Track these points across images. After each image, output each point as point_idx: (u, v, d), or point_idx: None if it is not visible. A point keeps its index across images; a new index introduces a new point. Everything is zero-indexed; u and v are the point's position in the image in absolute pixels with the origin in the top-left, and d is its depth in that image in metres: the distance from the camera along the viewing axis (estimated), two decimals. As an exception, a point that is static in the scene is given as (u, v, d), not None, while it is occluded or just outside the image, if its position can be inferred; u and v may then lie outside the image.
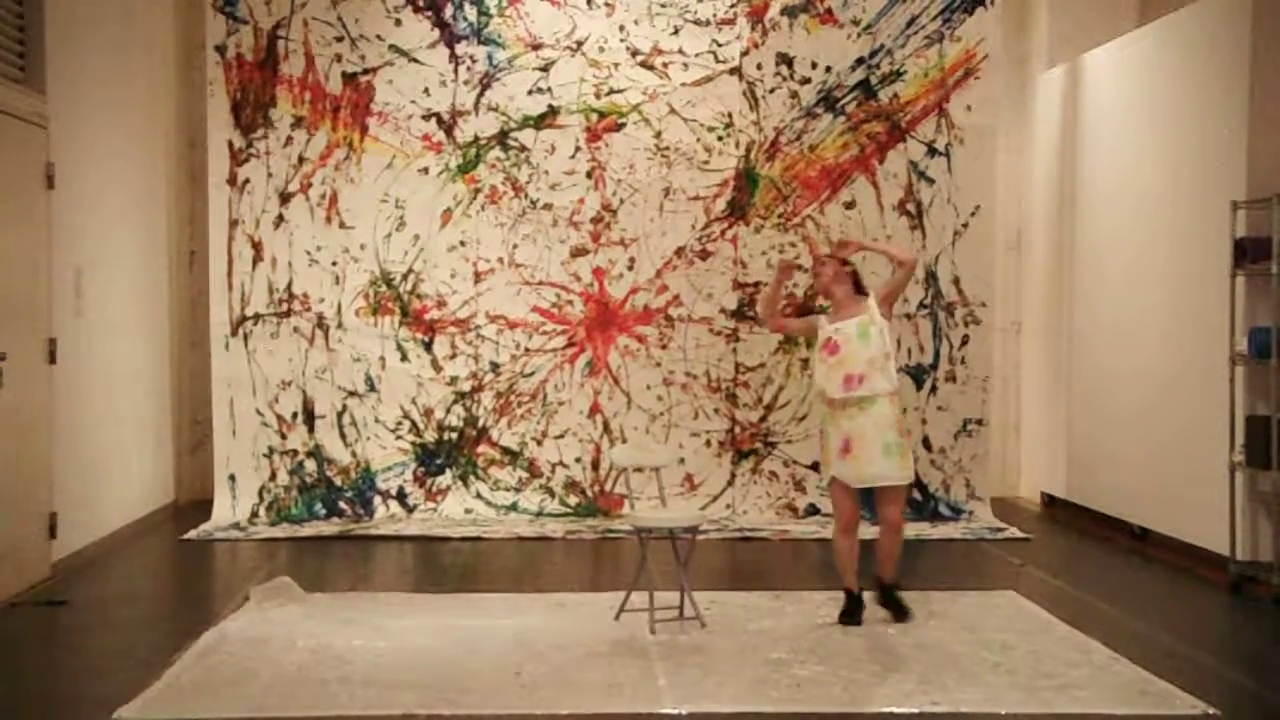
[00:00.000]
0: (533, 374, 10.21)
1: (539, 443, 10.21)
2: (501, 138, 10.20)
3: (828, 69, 10.25)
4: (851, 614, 6.95)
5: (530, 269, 10.21)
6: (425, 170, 10.18)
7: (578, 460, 10.22)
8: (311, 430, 10.14)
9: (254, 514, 9.99)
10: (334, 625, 6.89)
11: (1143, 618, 7.12)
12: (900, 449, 6.91)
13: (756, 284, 10.24)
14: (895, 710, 5.58)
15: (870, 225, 10.24)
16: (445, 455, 10.16)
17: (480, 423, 10.18)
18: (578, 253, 10.24)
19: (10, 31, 7.75)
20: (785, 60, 10.26)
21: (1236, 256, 7.86)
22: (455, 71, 10.18)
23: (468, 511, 10.04)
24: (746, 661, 6.26)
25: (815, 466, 10.24)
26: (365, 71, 10.15)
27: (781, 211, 10.27)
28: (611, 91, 10.23)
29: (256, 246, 10.14)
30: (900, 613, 6.96)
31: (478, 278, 10.18)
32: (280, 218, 10.14)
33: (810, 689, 5.85)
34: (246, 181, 10.13)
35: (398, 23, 10.14)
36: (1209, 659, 6.41)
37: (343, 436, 10.15)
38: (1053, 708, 5.62)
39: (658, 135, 10.23)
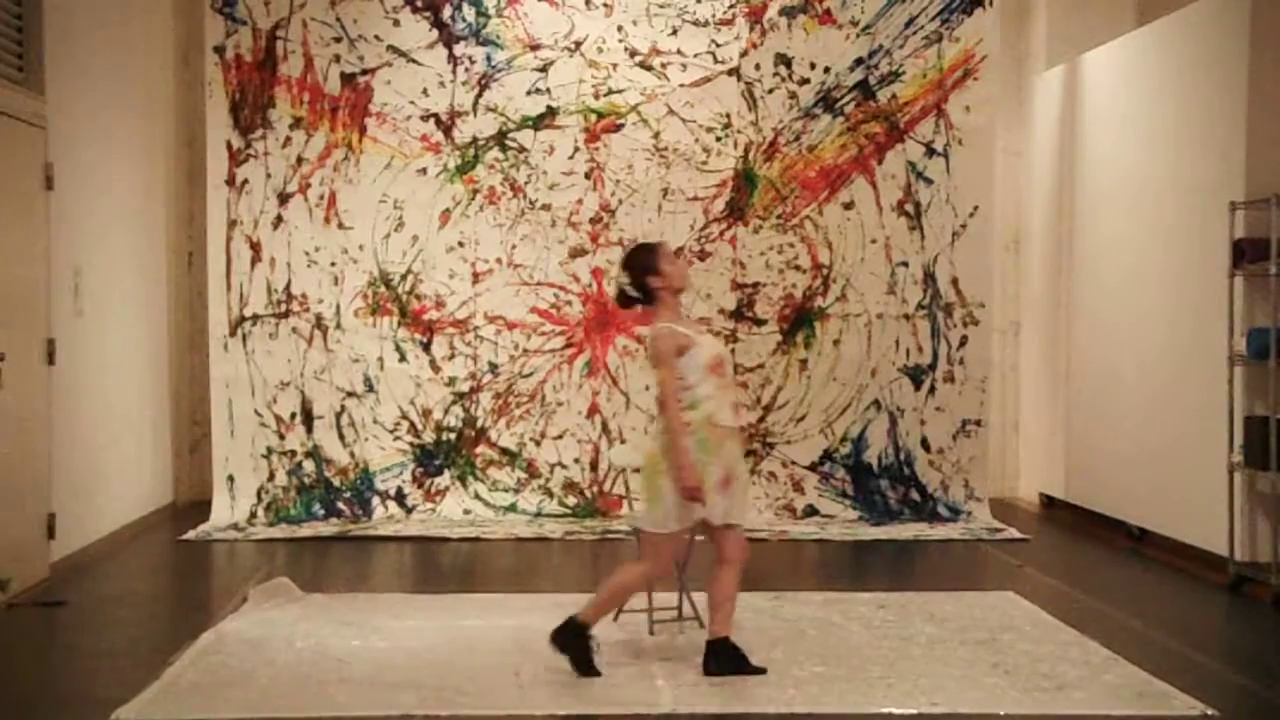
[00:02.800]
0: (531, 374, 10.21)
1: (537, 443, 10.21)
2: (500, 138, 10.20)
3: (826, 70, 10.25)
4: (584, 656, 6.05)
5: (529, 269, 10.21)
6: (424, 171, 10.18)
7: (576, 461, 10.22)
8: (310, 431, 10.13)
9: (252, 514, 9.99)
10: (332, 626, 6.89)
11: (1142, 618, 7.12)
12: (747, 486, 6.36)
13: (755, 284, 10.24)
14: (894, 711, 5.58)
15: (869, 225, 10.25)
16: (444, 456, 10.16)
17: (479, 423, 10.18)
18: (576, 253, 10.24)
19: (9, 32, 7.74)
20: (784, 61, 10.26)
21: (1235, 257, 7.87)
22: (454, 72, 10.18)
23: (466, 512, 10.04)
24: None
25: (813, 467, 10.26)
26: (364, 72, 10.15)
27: (780, 212, 10.27)
28: (610, 92, 10.24)
29: (255, 247, 10.14)
30: (747, 669, 6.02)
31: (476, 278, 10.18)
32: (279, 218, 10.14)
33: (809, 690, 5.85)
34: (245, 182, 10.13)
35: (396, 23, 10.14)
36: (1208, 660, 6.41)
37: (341, 437, 10.15)
38: (1051, 708, 5.62)
39: (656, 136, 10.23)
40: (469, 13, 10.17)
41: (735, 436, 6.04)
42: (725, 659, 6.03)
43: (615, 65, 10.22)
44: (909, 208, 10.28)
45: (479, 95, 10.20)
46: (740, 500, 6.10)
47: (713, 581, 6.09)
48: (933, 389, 10.29)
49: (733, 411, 6.03)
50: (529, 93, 10.21)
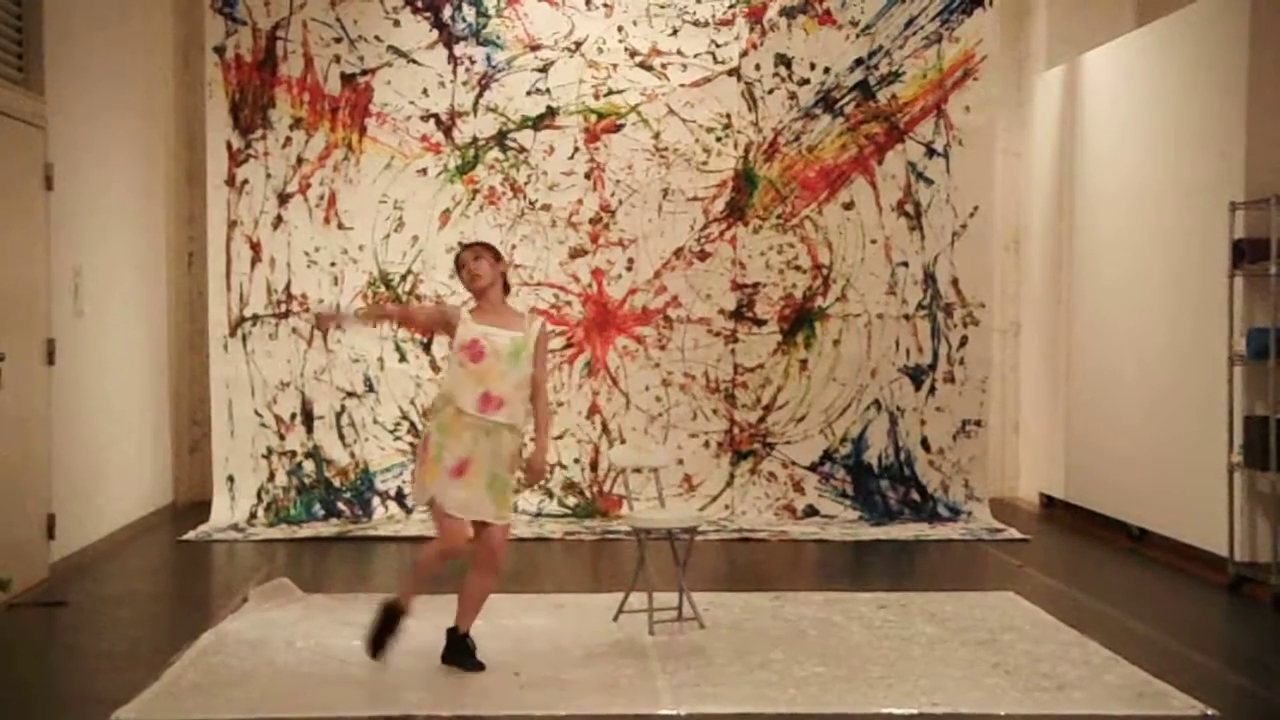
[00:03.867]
0: (531, 375, 10.20)
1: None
2: (500, 138, 10.20)
3: (826, 70, 10.25)
4: (382, 636, 6.17)
5: (529, 270, 10.21)
6: (424, 171, 10.18)
7: (576, 461, 10.22)
8: (310, 431, 10.13)
9: (252, 515, 9.99)
10: (332, 626, 6.89)
11: (1141, 619, 7.12)
12: (503, 487, 6.17)
13: (755, 285, 10.25)
14: (894, 711, 5.58)
15: (869, 226, 10.26)
16: (444, 456, 10.15)
17: (479, 423, 10.16)
18: (576, 254, 10.24)
19: (9, 32, 7.74)
20: (784, 61, 10.26)
21: (1235, 257, 7.87)
22: (454, 72, 10.18)
23: (466, 512, 10.02)
24: (745, 662, 6.26)
25: (813, 467, 10.26)
26: (364, 72, 10.15)
27: (780, 212, 10.28)
28: (610, 92, 10.24)
29: (255, 247, 10.14)
30: (467, 664, 6.18)
31: (476, 278, 10.16)
32: (279, 218, 10.14)
33: (809, 690, 5.85)
34: (245, 182, 10.13)
35: (396, 24, 10.14)
36: (1208, 660, 6.41)
37: (341, 437, 10.15)
38: (1051, 708, 5.62)
39: (656, 136, 10.24)
40: (469, 13, 10.17)
41: (477, 427, 6.06)
42: (455, 650, 6.19)
43: (615, 65, 10.23)
44: (909, 208, 10.28)
45: (479, 95, 10.20)
46: (480, 496, 6.10)
47: (464, 579, 6.26)
48: (933, 389, 10.30)
49: (478, 401, 6.05)
50: (529, 93, 10.21)
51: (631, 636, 6.71)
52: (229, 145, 10.11)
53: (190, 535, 9.50)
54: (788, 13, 10.23)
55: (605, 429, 10.22)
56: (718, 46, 10.25)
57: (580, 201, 10.23)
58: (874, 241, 10.27)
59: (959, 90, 10.28)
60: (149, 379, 10.03)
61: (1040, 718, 5.52)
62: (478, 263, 6.27)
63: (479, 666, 6.15)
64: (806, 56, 10.26)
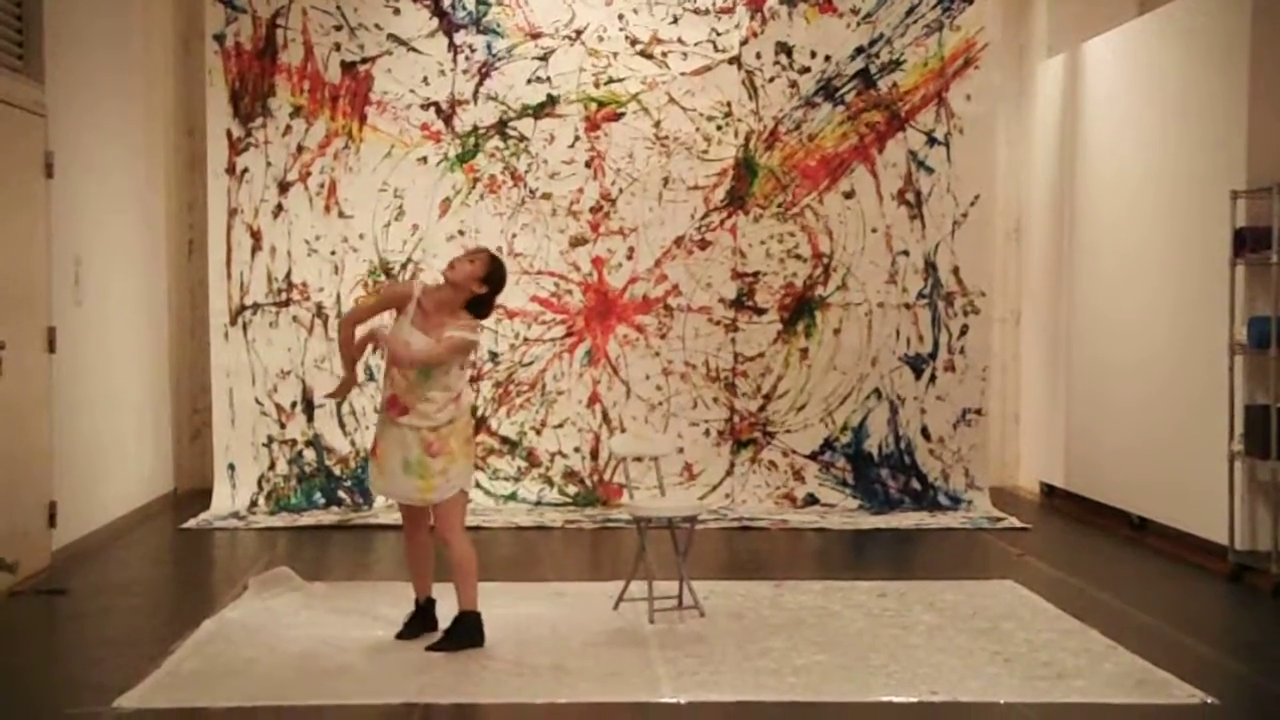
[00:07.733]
0: (531, 363, 10.22)
1: (538, 432, 10.21)
2: (500, 127, 10.19)
3: (827, 58, 10.24)
4: (409, 625, 6.52)
5: (529, 258, 10.20)
6: (424, 159, 10.17)
7: (576, 450, 10.22)
8: (310, 419, 10.13)
9: (253, 503, 9.99)
10: (333, 614, 6.90)
11: (1142, 607, 7.13)
12: (422, 469, 6.25)
13: (756, 273, 10.24)
14: (894, 699, 5.59)
15: (869, 214, 10.25)
16: (444, 444, 10.15)
17: (479, 412, 10.17)
18: (576, 242, 10.23)
19: (9, 20, 7.73)
20: (784, 49, 10.24)
21: (1236, 246, 7.87)
22: (454, 60, 10.17)
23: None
24: (745, 651, 6.26)
25: (814, 456, 10.27)
26: (364, 60, 10.13)
27: (781, 201, 10.27)
28: (610, 81, 10.22)
29: (255, 236, 10.13)
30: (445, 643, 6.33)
31: (477, 267, 10.16)
32: (279, 207, 10.13)
33: (809, 678, 5.86)
34: (245, 170, 10.12)
35: (396, 11, 10.12)
36: (1208, 648, 6.42)
37: (342, 426, 10.15)
38: (1051, 697, 5.63)
39: (657, 124, 10.22)
40: (469, 1, 10.15)
41: (389, 423, 6.30)
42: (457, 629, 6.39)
43: (616, 54, 10.21)
44: (910, 196, 10.27)
45: (479, 84, 10.18)
46: (394, 479, 6.34)
47: None
48: (933, 378, 10.30)
49: (385, 402, 6.32)
50: (529, 81, 10.19)
51: (632, 625, 6.72)
52: (229, 133, 10.10)
53: (191, 523, 9.50)
54: (788, 0, 10.21)
55: (606, 418, 10.22)
56: (718, 35, 10.23)
57: (581, 190, 10.22)
58: (874, 230, 10.26)
59: (960, 78, 10.26)
60: (149, 367, 10.03)
61: (1040, 706, 5.53)
62: (459, 261, 6.33)
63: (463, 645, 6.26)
64: (807, 44, 10.24)
